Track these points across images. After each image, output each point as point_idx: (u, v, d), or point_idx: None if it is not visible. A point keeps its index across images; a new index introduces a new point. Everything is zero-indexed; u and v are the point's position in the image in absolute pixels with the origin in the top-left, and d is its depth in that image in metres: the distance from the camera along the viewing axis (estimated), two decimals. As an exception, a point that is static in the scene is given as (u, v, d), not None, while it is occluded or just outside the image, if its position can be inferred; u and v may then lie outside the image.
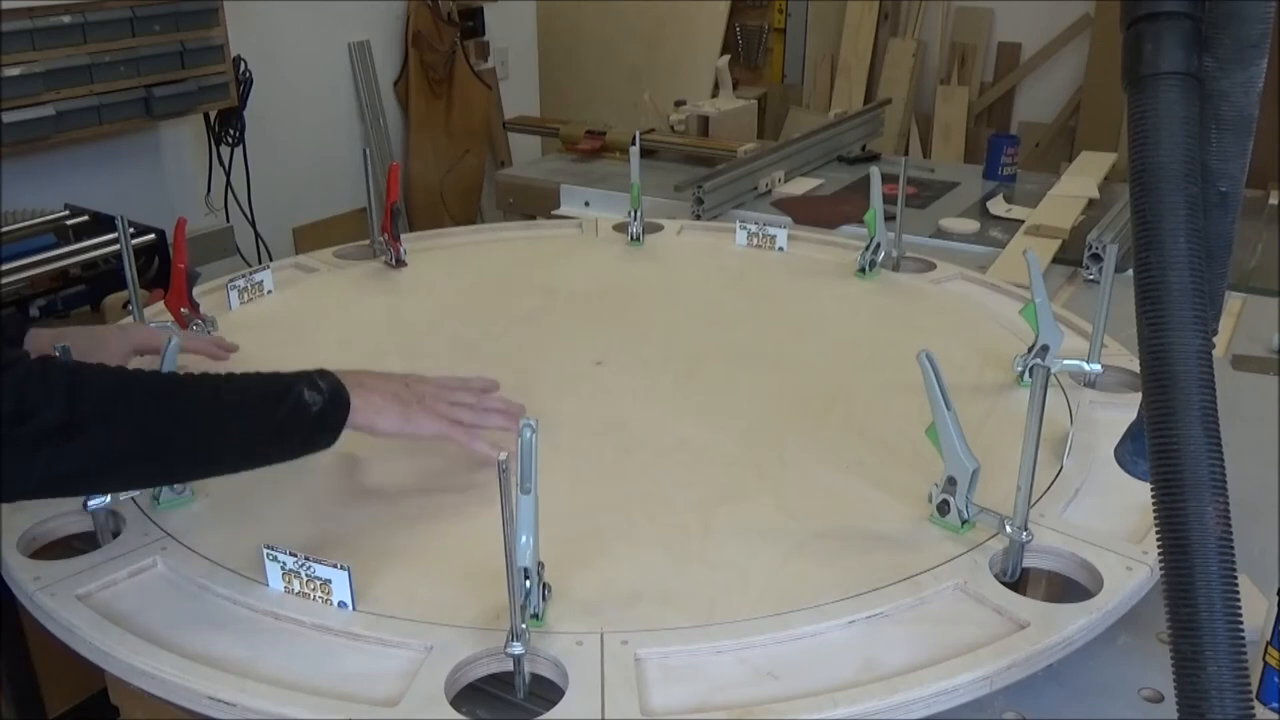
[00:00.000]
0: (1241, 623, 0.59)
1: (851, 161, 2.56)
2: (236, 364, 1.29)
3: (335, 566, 0.85)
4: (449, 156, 3.50)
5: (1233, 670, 0.58)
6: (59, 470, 0.80)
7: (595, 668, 0.78)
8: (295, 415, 0.91)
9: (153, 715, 0.87)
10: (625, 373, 1.31)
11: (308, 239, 3.02)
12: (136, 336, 1.24)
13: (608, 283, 1.62)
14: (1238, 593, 0.60)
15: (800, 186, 2.34)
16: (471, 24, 3.51)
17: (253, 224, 2.88)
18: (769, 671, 0.80)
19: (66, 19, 2.15)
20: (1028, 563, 0.92)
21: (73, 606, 0.86)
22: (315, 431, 0.93)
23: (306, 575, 0.86)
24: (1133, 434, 1.05)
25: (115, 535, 0.96)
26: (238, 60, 2.60)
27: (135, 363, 1.26)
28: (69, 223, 2.12)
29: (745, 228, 1.75)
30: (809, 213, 2.11)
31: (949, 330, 1.43)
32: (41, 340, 1.16)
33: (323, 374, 0.96)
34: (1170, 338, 0.64)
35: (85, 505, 0.94)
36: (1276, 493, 1.10)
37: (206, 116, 2.68)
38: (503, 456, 0.73)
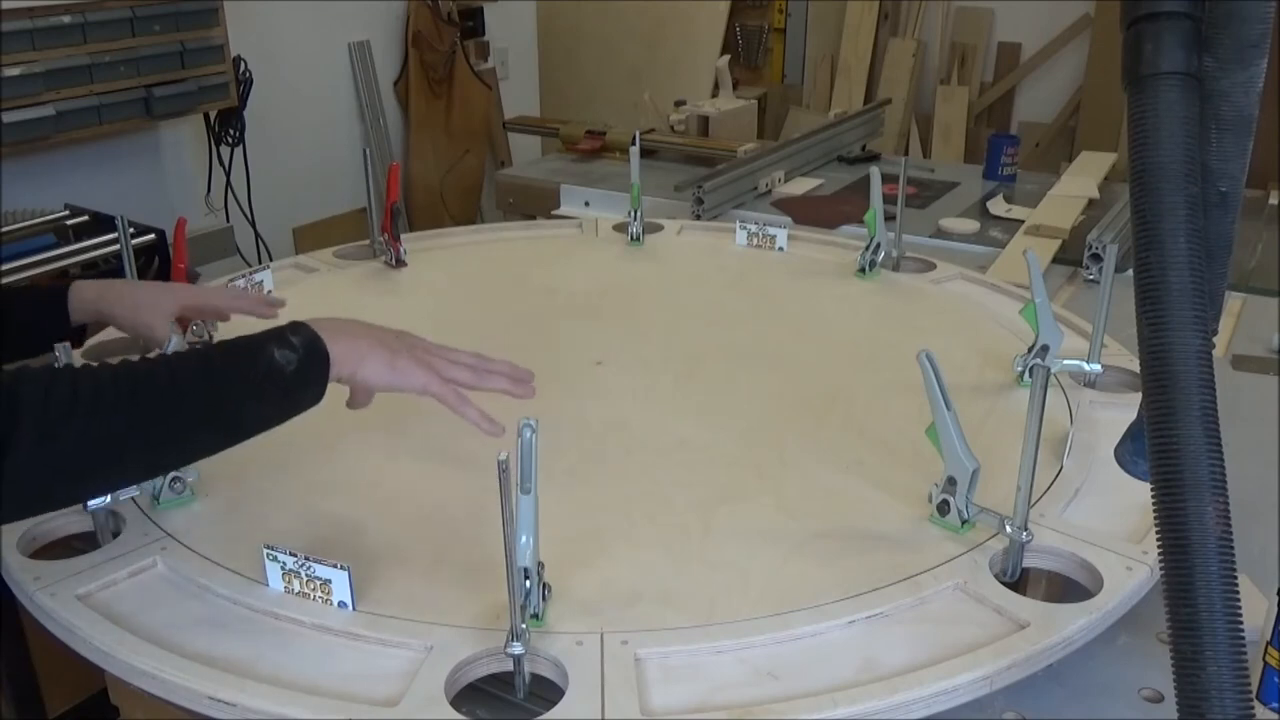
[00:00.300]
0: (1241, 623, 0.59)
1: (851, 161, 2.56)
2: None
3: (335, 566, 0.85)
4: (449, 156, 3.50)
5: (1233, 670, 0.58)
6: (19, 487, 0.76)
7: (595, 668, 0.79)
8: (269, 379, 0.86)
9: (153, 715, 0.87)
10: (625, 373, 1.31)
11: (308, 239, 3.02)
12: (183, 296, 1.19)
13: (608, 283, 1.62)
14: (1238, 593, 0.60)
15: (800, 186, 2.34)
16: (471, 24, 3.51)
17: (253, 224, 2.88)
18: (769, 671, 0.80)
19: (66, 19, 2.15)
20: (1028, 563, 0.92)
21: (73, 606, 0.86)
22: (294, 391, 0.88)
23: (306, 575, 0.86)
24: (1133, 434, 1.05)
25: (115, 535, 0.96)
26: (238, 60, 2.60)
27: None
28: (69, 223, 2.12)
29: (745, 228, 1.75)
30: (809, 213, 2.11)
31: (949, 330, 1.43)
32: (86, 292, 1.15)
33: (296, 328, 0.90)
34: (1170, 338, 0.64)
35: (85, 505, 0.94)
36: (1276, 493, 1.10)
37: (206, 116, 2.68)
38: (503, 456, 0.73)
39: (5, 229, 2.03)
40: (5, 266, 1.89)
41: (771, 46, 4.73)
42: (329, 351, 0.91)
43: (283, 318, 1.42)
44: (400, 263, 1.63)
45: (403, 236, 1.64)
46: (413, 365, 0.95)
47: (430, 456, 1.10)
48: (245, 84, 2.67)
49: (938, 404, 0.93)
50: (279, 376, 0.87)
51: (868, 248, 1.60)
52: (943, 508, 0.96)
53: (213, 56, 2.46)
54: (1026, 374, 1.24)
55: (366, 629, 0.83)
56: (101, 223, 2.11)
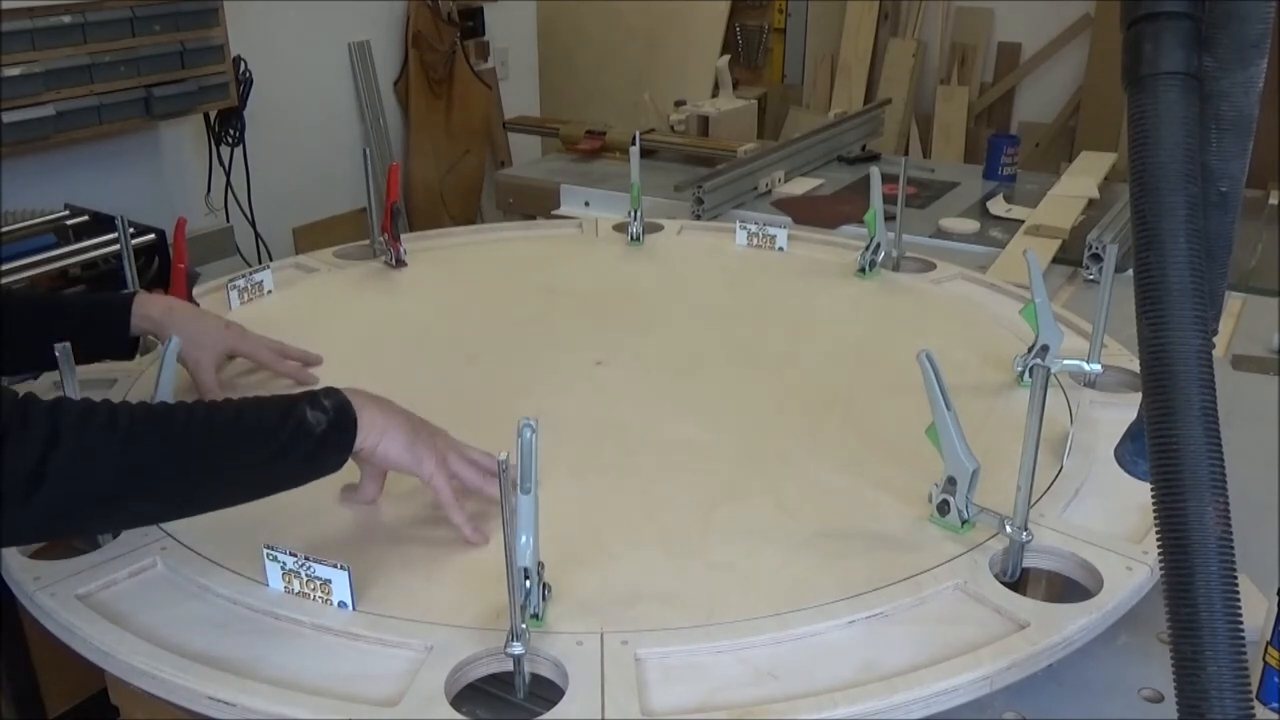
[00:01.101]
0: (1241, 623, 0.59)
1: (851, 161, 2.56)
2: (240, 364, 1.29)
3: (335, 566, 0.85)
4: (449, 156, 3.50)
5: (1233, 670, 0.58)
6: (44, 513, 0.77)
7: (595, 668, 0.79)
8: (297, 437, 0.87)
9: (153, 715, 0.87)
10: (625, 373, 1.31)
11: (308, 239, 3.02)
12: (234, 340, 1.22)
13: (608, 283, 1.62)
14: (1238, 593, 0.60)
15: (800, 186, 2.34)
16: (471, 24, 3.51)
17: (253, 224, 2.88)
18: (769, 671, 0.80)
19: (66, 19, 2.15)
20: (1028, 563, 0.92)
21: (73, 606, 0.86)
22: (319, 452, 0.90)
23: (306, 575, 0.86)
24: (1133, 434, 1.05)
25: (115, 535, 0.96)
26: (238, 60, 2.60)
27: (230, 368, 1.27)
28: (69, 223, 2.12)
29: (745, 228, 1.75)
30: (809, 213, 2.11)
31: (949, 330, 1.43)
32: (150, 308, 1.17)
33: (330, 392, 0.92)
34: (1170, 337, 0.64)
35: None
36: (1276, 493, 1.10)
37: (206, 116, 2.68)
38: (503, 456, 0.73)
39: (5, 229, 2.02)
40: (5, 266, 1.89)
41: (771, 46, 4.73)
42: (358, 418, 0.92)
43: (283, 319, 1.44)
44: (400, 263, 1.63)
45: (403, 236, 1.64)
46: (428, 453, 0.96)
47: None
48: (245, 84, 2.67)
49: (938, 404, 0.93)
50: (307, 436, 0.88)
51: (868, 248, 1.60)
52: (943, 508, 0.96)
53: (213, 56, 2.46)
54: (1026, 374, 1.24)
55: (366, 629, 0.83)
56: (101, 223, 2.11)
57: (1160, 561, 0.62)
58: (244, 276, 1.51)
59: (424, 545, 0.95)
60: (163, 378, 1.04)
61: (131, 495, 0.82)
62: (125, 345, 1.18)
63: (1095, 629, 0.85)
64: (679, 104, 2.86)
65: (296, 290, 1.57)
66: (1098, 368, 1.21)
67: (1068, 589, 0.92)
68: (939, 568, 0.90)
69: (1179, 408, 0.62)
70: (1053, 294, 1.64)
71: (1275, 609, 0.78)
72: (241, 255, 2.64)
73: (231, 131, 2.73)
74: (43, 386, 1.23)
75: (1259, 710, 0.80)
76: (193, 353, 1.17)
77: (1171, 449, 0.62)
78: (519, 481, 0.76)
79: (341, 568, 0.85)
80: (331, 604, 0.86)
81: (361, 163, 1.65)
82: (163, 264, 2.05)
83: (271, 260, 1.91)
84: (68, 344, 0.95)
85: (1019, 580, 0.91)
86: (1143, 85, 0.68)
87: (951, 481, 0.95)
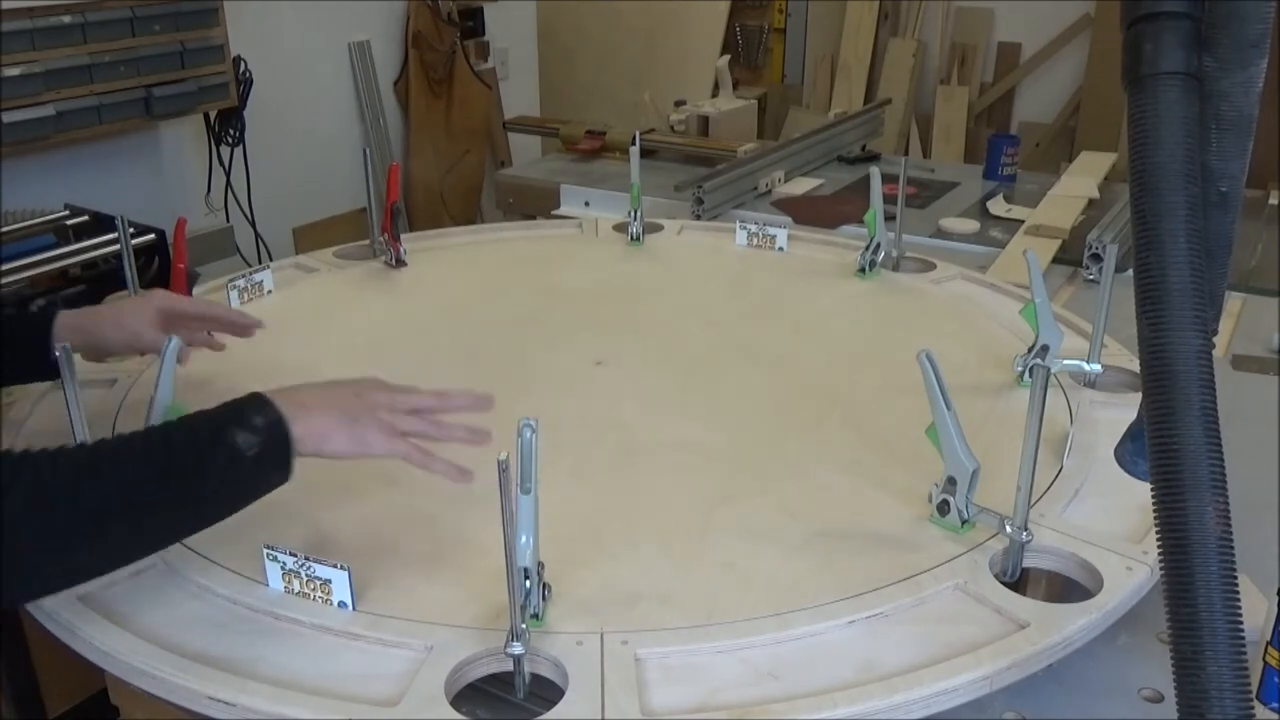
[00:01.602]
0: (1241, 623, 0.59)
1: (851, 161, 2.56)
2: (239, 363, 1.29)
3: (335, 566, 0.85)
4: (449, 156, 3.50)
5: (1233, 670, 0.58)
6: (15, 560, 0.74)
7: (595, 668, 0.79)
8: (233, 466, 0.84)
9: (153, 715, 0.87)
10: (625, 373, 1.31)
11: (308, 239, 3.02)
12: (160, 299, 1.18)
13: (608, 283, 1.62)
14: (1238, 593, 0.60)
15: (800, 186, 2.34)
16: (471, 24, 3.51)
17: (253, 224, 2.88)
18: (769, 671, 0.80)
19: (66, 19, 2.15)
20: (1028, 563, 0.92)
21: (73, 606, 0.86)
22: (258, 476, 0.86)
23: (306, 575, 0.86)
24: (1133, 434, 1.05)
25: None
26: (238, 60, 2.60)
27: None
28: (69, 223, 2.12)
29: (745, 228, 1.75)
30: (809, 213, 2.11)
31: (949, 330, 1.43)
32: (68, 319, 1.12)
33: (259, 405, 0.87)
34: (1170, 337, 0.64)
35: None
36: (1276, 493, 1.10)
37: (206, 116, 2.68)
38: (503, 456, 0.73)
39: (5, 229, 2.03)
40: (5, 266, 1.89)
41: (771, 46, 4.73)
42: (290, 433, 0.88)
43: (283, 319, 1.43)
44: (400, 263, 1.63)
45: (403, 236, 1.64)
46: (374, 430, 0.92)
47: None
48: (245, 84, 2.67)
49: (938, 404, 0.93)
50: (242, 463, 0.84)
51: (868, 248, 1.60)
52: (943, 508, 0.96)
53: (213, 56, 2.46)
54: (1026, 374, 1.24)
55: (366, 629, 0.84)
56: (101, 223, 2.11)
57: (1160, 561, 0.62)
58: (244, 276, 1.51)
59: (424, 545, 0.95)
60: (162, 378, 1.04)
61: (89, 538, 0.79)
62: (48, 363, 1.08)
63: (1095, 629, 0.85)
64: (679, 104, 2.86)
65: (296, 290, 1.57)
66: (1098, 368, 1.21)
67: (1068, 589, 0.92)
68: (939, 568, 0.90)
69: (1179, 408, 0.62)
70: (1053, 294, 1.64)
71: (1275, 609, 0.78)
72: (241, 255, 2.64)
73: (231, 131, 2.74)
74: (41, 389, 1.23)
75: (1259, 710, 0.80)
76: (130, 325, 1.13)
77: (1171, 449, 0.62)
78: (519, 481, 0.76)
79: (341, 568, 0.85)
80: (331, 604, 0.86)
81: (361, 163, 1.65)
82: (163, 264, 2.05)
83: (271, 260, 1.91)
84: (68, 344, 0.95)
85: (1019, 580, 0.91)
86: (1143, 85, 0.68)
87: (951, 481, 0.95)
